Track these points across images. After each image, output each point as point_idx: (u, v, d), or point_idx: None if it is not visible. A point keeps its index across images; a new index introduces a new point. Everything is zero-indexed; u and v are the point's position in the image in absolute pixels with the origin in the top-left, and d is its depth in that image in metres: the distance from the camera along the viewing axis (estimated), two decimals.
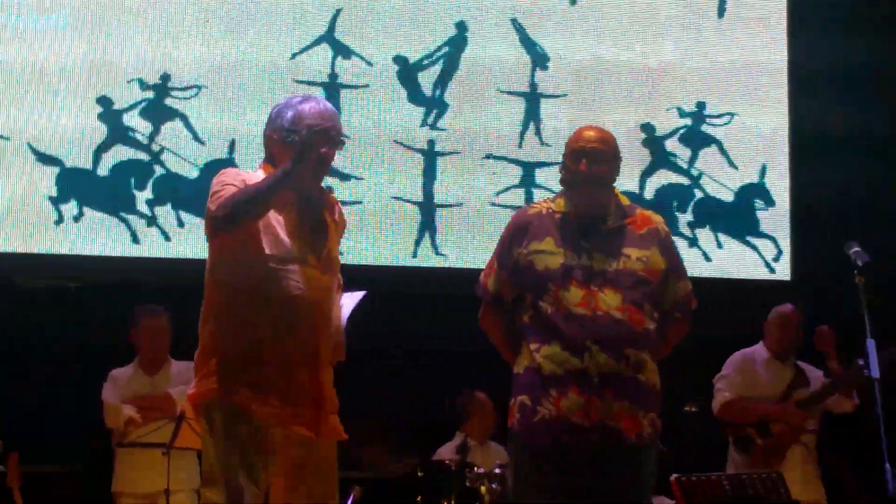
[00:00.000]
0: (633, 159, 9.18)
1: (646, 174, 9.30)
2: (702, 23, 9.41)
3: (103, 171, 8.74)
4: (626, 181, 9.03)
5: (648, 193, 9.22)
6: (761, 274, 9.28)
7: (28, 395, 8.28)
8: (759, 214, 9.36)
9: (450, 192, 9.06)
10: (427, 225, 9.03)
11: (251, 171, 5.06)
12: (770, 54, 9.43)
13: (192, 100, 8.85)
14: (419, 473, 8.02)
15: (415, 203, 9.04)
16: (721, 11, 9.43)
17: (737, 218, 9.35)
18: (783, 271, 9.32)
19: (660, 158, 9.34)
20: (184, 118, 8.84)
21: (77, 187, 8.68)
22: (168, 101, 8.84)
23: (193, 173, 8.68)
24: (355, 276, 8.50)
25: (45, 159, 8.67)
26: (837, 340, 7.80)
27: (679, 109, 9.36)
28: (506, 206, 8.78)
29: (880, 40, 9.41)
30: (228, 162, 8.45)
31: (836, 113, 9.29)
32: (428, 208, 9.04)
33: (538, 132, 9.13)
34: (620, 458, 5.12)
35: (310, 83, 8.92)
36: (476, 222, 8.90)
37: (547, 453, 5.13)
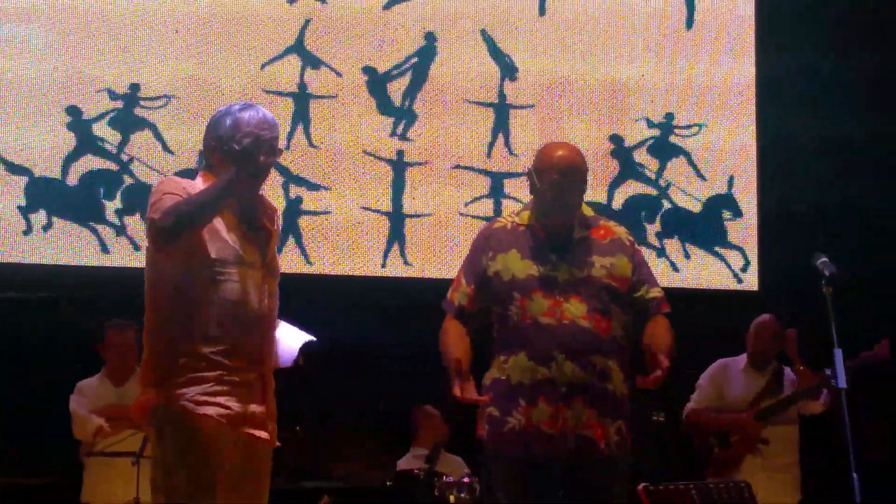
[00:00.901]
0: (601, 170, 9.21)
1: (614, 185, 9.31)
2: (670, 35, 9.43)
3: (72, 180, 8.72)
4: (594, 192, 9.04)
5: (616, 204, 9.23)
6: (729, 284, 9.31)
7: None
8: (727, 225, 9.38)
9: (419, 202, 9.05)
10: (396, 235, 9.02)
11: (190, 180, 5.03)
12: (738, 67, 9.45)
13: (162, 110, 8.83)
14: (388, 483, 8.03)
15: (384, 213, 9.02)
16: (689, 24, 9.45)
17: (704, 228, 9.37)
18: (751, 282, 9.33)
19: (628, 169, 9.35)
20: (153, 128, 8.81)
21: (46, 197, 8.65)
22: (137, 112, 8.82)
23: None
24: (324, 286, 8.55)
25: (14, 169, 8.63)
26: (806, 350, 7.82)
27: (647, 121, 9.37)
28: (475, 217, 8.78)
29: (848, 53, 9.43)
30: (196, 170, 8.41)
31: (804, 125, 9.32)
32: (397, 218, 9.03)
33: (507, 143, 9.13)
34: (594, 466, 5.13)
35: (279, 93, 8.90)
36: (445, 232, 8.90)
37: (519, 463, 5.13)
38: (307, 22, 9.04)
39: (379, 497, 8.01)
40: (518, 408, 5.09)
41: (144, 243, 8.55)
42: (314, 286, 8.49)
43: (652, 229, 9.31)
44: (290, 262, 8.32)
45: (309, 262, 8.75)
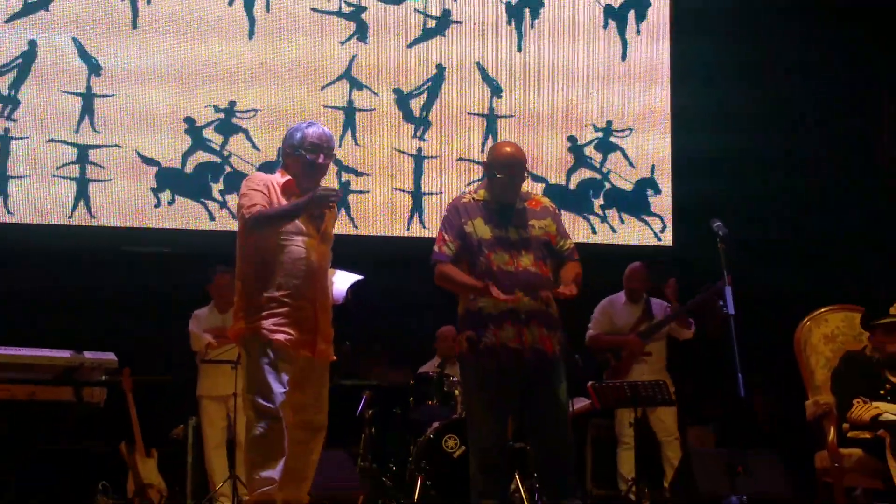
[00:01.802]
0: (561, 161, 9.21)
1: (570, 171, 9.29)
2: (610, 66, 9.38)
3: (189, 169, 8.72)
4: (557, 177, 9.06)
5: (572, 185, 9.22)
6: (652, 241, 9.30)
7: (136, 329, 8.26)
8: (650, 200, 9.36)
9: (432, 184, 9.04)
10: (416, 208, 9.01)
11: (271, 174, 5.12)
12: (658, 89, 9.42)
13: (251, 119, 8.81)
14: (411, 382, 8.03)
15: (408, 192, 9.02)
16: (623, 58, 9.41)
17: (635, 202, 9.35)
18: (667, 240, 9.33)
19: (580, 161, 9.32)
20: (245, 132, 8.80)
21: (170, 181, 8.65)
22: (234, 121, 8.80)
23: (252, 171, 8.63)
24: (367, 243, 8.56)
25: (148, 161, 8.64)
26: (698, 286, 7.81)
27: (594, 126, 9.34)
28: None
29: (735, 85, 9.42)
30: (277, 164, 8.40)
31: (704, 131, 9.31)
32: (417, 196, 9.02)
33: (495, 141, 9.09)
34: (547, 369, 5.14)
35: (334, 108, 8.89)
36: None
37: (490, 371, 5.14)
38: (354, 57, 9.01)
39: (403, 392, 8.02)
40: (490, 330, 5.11)
41: None
42: (360, 243, 8.50)
43: (597, 203, 9.29)
44: (342, 227, 8.30)
45: (355, 227, 8.76)
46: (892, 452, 5.80)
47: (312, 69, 8.92)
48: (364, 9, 9.05)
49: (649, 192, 9.35)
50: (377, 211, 8.88)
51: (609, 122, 9.33)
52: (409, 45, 9.11)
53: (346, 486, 7.25)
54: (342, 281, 5.22)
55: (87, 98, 8.57)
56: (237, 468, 7.30)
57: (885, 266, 8.97)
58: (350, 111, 8.94)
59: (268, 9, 8.88)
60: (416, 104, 9.08)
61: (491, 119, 9.15)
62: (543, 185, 9.07)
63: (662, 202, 9.34)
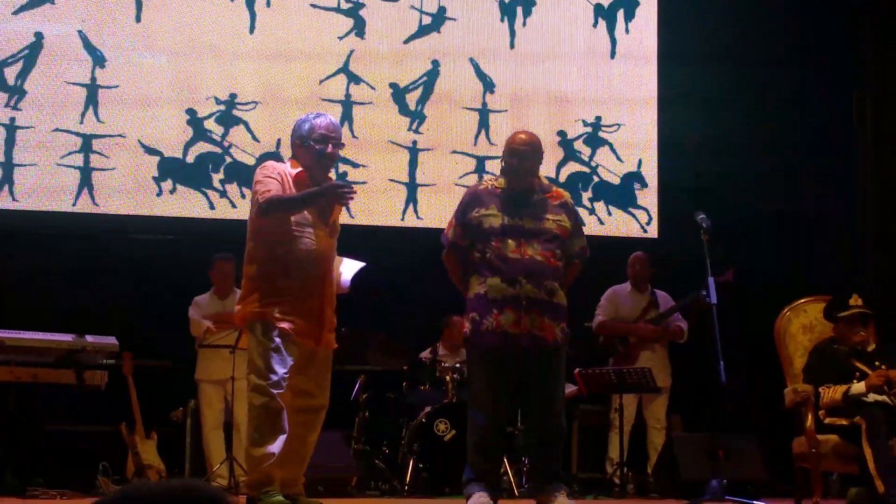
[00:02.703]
0: (551, 155, 9.16)
1: (560, 165, 9.33)
2: (600, 62, 9.42)
3: (190, 159, 8.73)
4: (546, 170, 9.01)
5: (562, 178, 9.25)
6: (638, 233, 9.34)
7: (137, 314, 8.28)
8: (637, 193, 9.40)
9: (427, 175, 9.07)
10: (411, 198, 9.04)
11: (284, 164, 5.14)
12: (645, 86, 9.46)
13: (251, 111, 8.83)
14: (405, 367, 8.07)
15: (403, 183, 9.04)
16: (612, 55, 9.44)
17: (622, 195, 9.39)
18: (653, 231, 9.37)
19: (570, 155, 9.36)
20: (245, 124, 8.82)
21: (172, 170, 8.67)
22: (234, 112, 8.82)
23: (251, 161, 8.67)
24: (364, 232, 8.59)
25: (150, 151, 8.65)
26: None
27: (583, 121, 9.37)
28: (465, 186, 8.73)
29: (720, 79, 9.44)
30: (276, 155, 8.44)
31: (689, 126, 9.34)
32: (412, 187, 9.05)
33: (487, 136, 9.14)
34: (543, 356, 5.18)
35: (331, 101, 8.90)
36: (445, 197, 8.91)
37: (490, 353, 5.19)
38: (351, 51, 9.03)
39: (397, 377, 8.06)
40: (491, 314, 5.15)
41: (239, 203, 8.65)
42: (354, 232, 8.52)
43: (586, 196, 9.33)
44: (340, 217, 8.33)
45: (351, 216, 8.79)
46: (867, 438, 5.85)
47: (311, 63, 8.94)
48: (362, 5, 9.07)
49: (636, 185, 9.39)
50: (373, 201, 8.90)
51: (598, 118, 9.37)
52: (406, 41, 9.13)
53: (340, 468, 7.30)
54: (348, 269, 5.25)
55: (92, 89, 8.58)
56: (234, 450, 7.33)
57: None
58: (347, 104, 8.96)
59: (268, 4, 8.90)
60: (412, 98, 9.10)
61: (484, 113, 9.18)
62: (547, 181, 9.07)
63: (649, 195, 9.38)
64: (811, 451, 6.15)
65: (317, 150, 5.01)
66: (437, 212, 8.89)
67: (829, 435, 6.15)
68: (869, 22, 9.54)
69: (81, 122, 8.54)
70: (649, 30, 9.52)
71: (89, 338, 6.94)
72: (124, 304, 8.32)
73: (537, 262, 5.16)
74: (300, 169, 5.03)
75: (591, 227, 9.11)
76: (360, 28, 9.05)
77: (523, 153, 5.30)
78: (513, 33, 9.29)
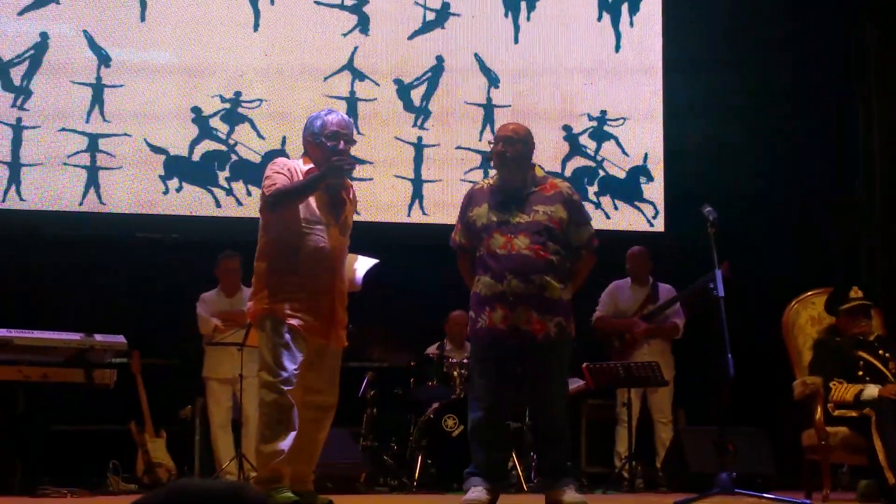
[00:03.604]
0: (556, 150, 9.23)
1: (565, 160, 9.31)
2: (605, 57, 9.40)
3: (196, 157, 8.71)
4: (552, 165, 9.06)
5: (567, 172, 9.22)
6: (644, 227, 9.32)
7: (145, 312, 8.28)
8: (643, 187, 9.38)
9: (432, 172, 9.05)
10: (417, 195, 9.02)
11: (294, 160, 5.11)
12: (651, 79, 9.43)
13: (256, 109, 8.82)
14: (412, 364, 8.07)
15: (408, 180, 9.03)
16: (617, 49, 9.41)
17: (628, 189, 9.37)
18: (659, 225, 9.35)
19: (575, 149, 9.34)
20: (251, 122, 8.81)
21: (178, 169, 8.66)
22: (240, 111, 8.80)
23: (257, 159, 8.66)
24: (369, 229, 8.59)
25: (156, 150, 8.63)
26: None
27: (588, 115, 9.35)
28: (470, 182, 8.68)
29: (724, 77, 9.42)
30: (281, 153, 8.43)
31: (694, 120, 9.32)
32: (417, 183, 9.03)
33: (492, 131, 9.08)
34: (535, 351, 5.17)
35: (336, 97, 8.89)
36: (450, 193, 8.90)
37: (485, 349, 5.22)
38: (356, 48, 9.01)
39: (404, 373, 8.05)
40: (485, 312, 5.17)
41: (245, 201, 8.65)
42: (362, 229, 8.50)
43: (592, 190, 9.31)
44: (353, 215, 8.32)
45: (357, 213, 8.73)
46: (877, 430, 5.83)
47: (315, 60, 8.92)
48: (366, 2, 9.04)
49: (642, 179, 9.36)
50: (379, 198, 8.88)
51: (603, 112, 9.35)
52: (410, 37, 9.10)
53: (349, 465, 7.29)
54: (362, 267, 5.25)
55: (97, 88, 8.57)
56: (243, 447, 7.33)
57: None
58: (352, 101, 8.94)
59: (272, 2, 8.88)
60: (417, 94, 9.08)
61: (488, 109, 9.16)
62: (543, 173, 9.04)
63: (655, 189, 9.36)
64: (820, 443, 6.13)
65: (328, 146, 5.00)
66: (442, 208, 8.87)
67: (839, 427, 6.13)
68: (874, 17, 9.50)
69: (87, 122, 8.53)
70: (654, 23, 9.48)
71: (98, 337, 6.94)
72: (132, 302, 8.32)
73: (524, 256, 5.14)
74: (311, 165, 5.02)
75: (597, 222, 9.00)
76: (364, 24, 9.03)
77: (509, 139, 5.29)
78: (517, 28, 9.26)
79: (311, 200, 4.95)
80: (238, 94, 8.78)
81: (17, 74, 8.46)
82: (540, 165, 5.59)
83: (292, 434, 4.83)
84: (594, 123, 9.34)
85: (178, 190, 8.64)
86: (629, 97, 9.40)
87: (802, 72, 9.54)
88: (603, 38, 9.39)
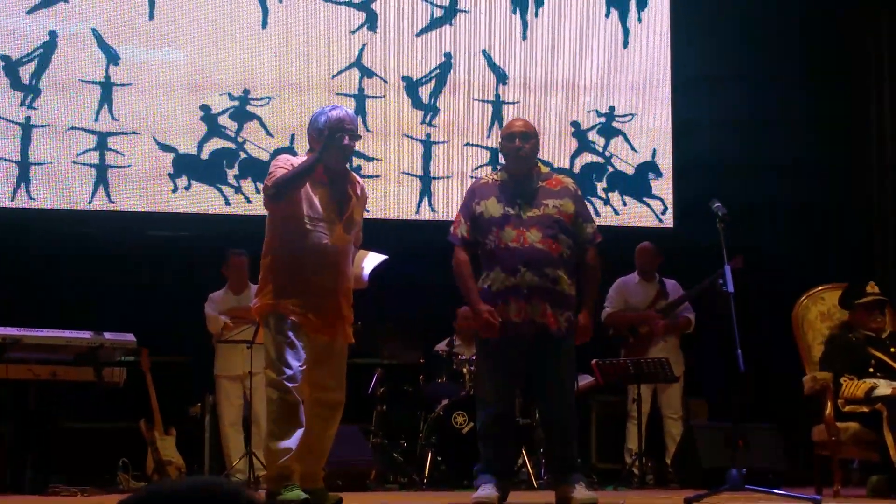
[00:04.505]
0: (564, 145, 9.21)
1: (574, 156, 9.28)
2: (613, 52, 9.37)
3: (205, 155, 8.71)
4: (560, 161, 9.04)
5: (576, 168, 9.20)
6: (653, 223, 9.29)
7: (154, 310, 8.27)
8: (652, 182, 9.35)
9: (441, 168, 9.03)
10: (425, 191, 9.01)
11: (299, 156, 5.10)
12: (659, 75, 9.40)
13: (265, 107, 8.81)
14: (421, 360, 8.05)
15: (417, 176, 9.01)
16: (625, 44, 9.38)
17: (636, 185, 9.34)
18: (668, 221, 9.32)
19: (584, 145, 9.31)
20: (259, 119, 8.79)
21: (187, 167, 8.65)
22: (248, 108, 8.79)
23: (266, 157, 8.63)
24: (379, 227, 8.57)
25: (165, 148, 8.63)
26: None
27: (597, 111, 9.32)
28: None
29: (730, 73, 9.39)
30: (290, 150, 8.41)
31: (702, 117, 9.30)
32: (426, 180, 9.01)
33: (501, 127, 9.02)
34: (547, 345, 5.17)
35: (345, 94, 8.87)
36: (459, 189, 8.79)
37: (496, 342, 5.19)
38: (364, 45, 8.99)
39: (414, 370, 8.03)
40: (497, 307, 5.14)
41: (254, 198, 8.65)
42: (371, 226, 8.48)
43: (600, 186, 9.28)
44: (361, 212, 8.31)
45: (366, 210, 8.73)
46: (888, 425, 5.81)
47: (324, 58, 8.91)
48: None
49: (651, 175, 9.34)
50: (387, 194, 8.87)
51: (611, 108, 9.32)
52: (418, 34, 9.09)
53: (358, 462, 7.27)
54: (370, 263, 5.23)
55: (106, 87, 8.57)
56: (253, 445, 7.32)
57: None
58: (360, 98, 8.93)
59: (280, 0, 8.87)
60: (425, 91, 9.06)
61: (497, 105, 9.13)
62: (548, 168, 9.03)
63: (663, 185, 9.32)
64: (831, 438, 6.10)
65: (332, 141, 4.98)
66: (451, 204, 8.77)
67: (849, 422, 6.10)
68: (888, 8, 9.45)
69: (96, 120, 8.53)
70: (662, 18, 9.45)
71: (107, 335, 6.94)
72: (141, 300, 8.31)
73: (537, 249, 5.14)
74: None
75: (606, 218, 9.07)
76: (372, 22, 9.01)
77: (525, 134, 5.31)
78: (525, 24, 9.23)
79: (315, 197, 4.93)
80: (247, 91, 8.77)
81: (25, 73, 8.46)
82: (542, 160, 5.56)
83: (300, 431, 4.82)
84: (602, 119, 9.31)
85: (187, 188, 8.63)
86: (637, 93, 9.36)
87: (815, 64, 9.49)
88: (611, 34, 9.36)
